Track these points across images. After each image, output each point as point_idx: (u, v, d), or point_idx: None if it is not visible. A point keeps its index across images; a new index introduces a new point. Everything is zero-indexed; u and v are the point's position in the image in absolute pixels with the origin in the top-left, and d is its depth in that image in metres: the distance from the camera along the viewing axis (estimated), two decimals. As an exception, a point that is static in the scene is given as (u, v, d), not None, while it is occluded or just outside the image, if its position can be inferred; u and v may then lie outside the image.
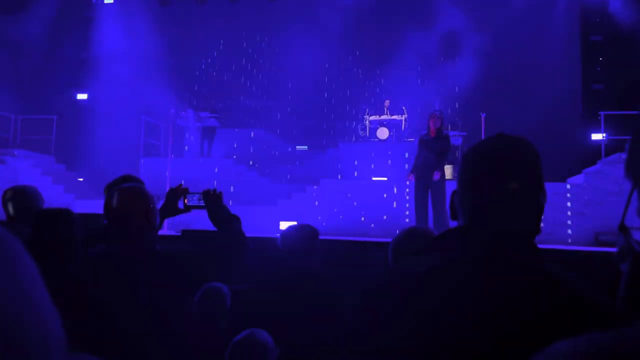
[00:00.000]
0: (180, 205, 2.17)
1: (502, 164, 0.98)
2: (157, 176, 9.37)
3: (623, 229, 0.55)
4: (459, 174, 1.03)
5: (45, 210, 2.17)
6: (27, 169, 10.07)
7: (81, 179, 11.27)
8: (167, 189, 2.26)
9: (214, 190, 2.11)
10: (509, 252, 0.92)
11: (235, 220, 2.07)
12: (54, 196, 9.36)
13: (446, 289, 0.89)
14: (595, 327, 0.75)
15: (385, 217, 8.43)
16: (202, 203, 2.12)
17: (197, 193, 2.14)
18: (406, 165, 10.09)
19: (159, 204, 2.11)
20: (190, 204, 2.15)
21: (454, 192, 1.04)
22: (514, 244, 0.93)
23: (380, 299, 0.94)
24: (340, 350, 1.04)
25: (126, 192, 1.90)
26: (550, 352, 0.46)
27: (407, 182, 6.91)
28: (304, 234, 2.47)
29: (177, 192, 2.19)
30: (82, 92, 13.28)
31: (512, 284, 0.88)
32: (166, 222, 5.30)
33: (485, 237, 0.94)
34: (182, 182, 2.28)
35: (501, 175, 0.97)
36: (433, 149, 6.65)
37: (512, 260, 0.91)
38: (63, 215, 2.08)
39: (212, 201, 2.08)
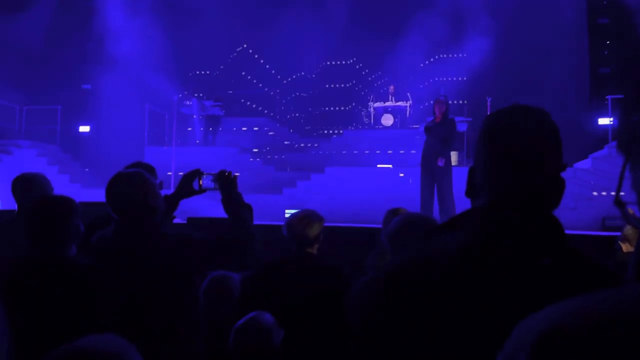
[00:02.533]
0: (195, 186, 2.17)
1: (525, 138, 0.92)
2: (162, 165, 9.38)
3: (618, 203, 0.54)
4: (477, 148, 0.97)
5: (43, 198, 2.17)
6: (33, 159, 10.11)
7: (87, 169, 11.31)
8: (172, 177, 2.26)
9: (229, 172, 2.11)
10: (536, 229, 0.88)
11: (247, 209, 2.07)
12: (60, 186, 9.40)
13: (477, 269, 0.85)
14: None
15: (390, 204, 8.41)
16: (216, 185, 2.12)
17: (212, 174, 2.14)
18: (413, 151, 10.06)
19: (163, 191, 2.11)
20: (205, 186, 2.15)
21: (471, 169, 0.98)
22: (540, 221, 0.90)
23: (408, 281, 0.89)
24: (354, 334, 1.00)
25: (122, 178, 1.91)
26: (549, 311, 0.45)
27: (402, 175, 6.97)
28: (309, 220, 2.46)
29: (192, 173, 2.19)
30: (86, 82, 13.26)
31: (543, 263, 0.85)
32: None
33: (512, 216, 0.89)
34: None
35: (525, 149, 0.92)
36: (437, 135, 6.62)
37: (539, 238, 0.88)
38: (60, 202, 2.08)
39: (227, 184, 2.07)
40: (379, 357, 0.89)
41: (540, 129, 0.94)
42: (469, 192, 0.97)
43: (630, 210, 0.55)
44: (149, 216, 1.89)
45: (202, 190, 2.17)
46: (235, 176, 2.11)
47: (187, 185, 2.18)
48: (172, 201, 2.21)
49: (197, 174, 2.18)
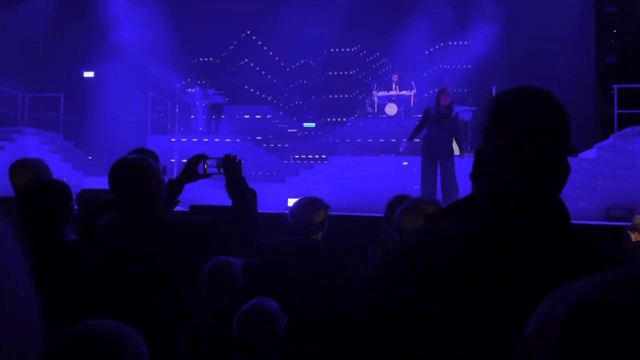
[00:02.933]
0: (200, 170, 2.16)
1: (538, 118, 0.91)
2: (165, 153, 9.38)
3: None
4: (486, 128, 0.95)
5: (34, 182, 2.17)
6: (36, 147, 10.12)
7: (90, 157, 11.32)
8: (175, 165, 2.25)
9: (234, 157, 2.10)
10: (542, 212, 0.88)
11: (251, 194, 2.06)
12: (63, 173, 9.42)
13: (485, 251, 0.84)
14: None
15: (392, 193, 8.39)
16: (220, 170, 2.11)
17: (217, 158, 2.13)
18: (417, 140, 10.01)
19: (166, 177, 2.10)
20: (210, 170, 2.14)
21: (478, 150, 0.96)
22: (548, 201, 0.90)
23: (413, 262, 0.88)
24: (358, 319, 0.99)
25: (124, 164, 1.90)
26: (567, 288, 0.45)
27: (401, 149, 6.99)
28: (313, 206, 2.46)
29: (197, 157, 2.17)
30: (89, 69, 13.23)
31: (549, 246, 0.85)
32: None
33: (517, 199, 0.89)
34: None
35: (537, 129, 0.90)
36: (446, 128, 6.56)
37: (545, 221, 0.88)
38: (52, 186, 2.07)
39: (231, 168, 2.06)
40: (383, 342, 0.88)
41: (553, 111, 0.92)
42: (475, 174, 0.95)
43: None
44: (152, 202, 1.89)
45: (206, 175, 2.16)
46: (240, 161, 2.10)
47: (192, 170, 2.17)
48: (177, 185, 2.20)
49: (201, 158, 2.17)
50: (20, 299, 0.38)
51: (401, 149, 6.85)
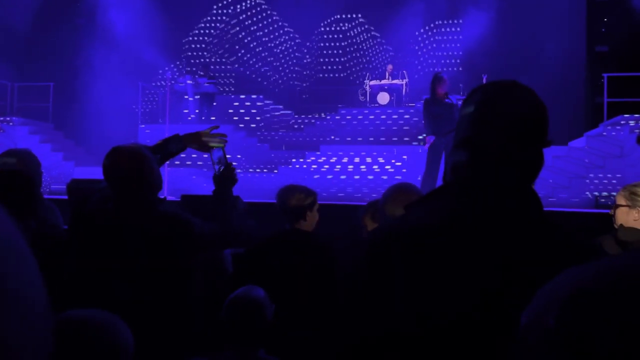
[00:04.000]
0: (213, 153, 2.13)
1: (511, 110, 0.95)
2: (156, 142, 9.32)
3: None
4: (464, 120, 0.99)
5: None
6: (26, 137, 10.02)
7: (80, 147, 11.23)
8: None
9: (233, 172, 2.07)
10: (511, 202, 0.92)
11: (233, 208, 2.04)
12: (53, 163, 9.35)
13: (458, 240, 0.89)
14: None
15: (384, 182, 8.43)
16: (217, 164, 2.10)
17: (225, 158, 2.10)
18: (406, 127, 10.04)
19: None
20: (214, 157, 2.12)
21: (456, 139, 1.00)
22: (516, 194, 0.93)
23: (390, 251, 0.92)
24: (343, 304, 1.03)
25: (121, 151, 1.89)
26: (563, 278, 0.47)
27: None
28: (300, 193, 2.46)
29: (216, 136, 2.16)
30: (79, 59, 13.08)
31: (514, 234, 0.89)
32: (165, 187, 5.29)
33: (487, 188, 0.93)
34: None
35: (510, 125, 0.95)
36: (448, 116, 6.35)
37: (514, 211, 0.91)
38: (15, 175, 2.06)
39: (224, 181, 2.06)
40: (367, 326, 0.91)
41: (530, 105, 0.97)
42: (452, 167, 1.00)
43: None
44: (146, 191, 1.88)
45: (209, 150, 2.14)
46: (234, 178, 2.08)
47: (202, 138, 2.15)
48: (182, 139, 2.17)
49: (220, 141, 2.14)
50: (23, 275, 0.38)
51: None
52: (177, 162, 9.86)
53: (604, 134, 8.17)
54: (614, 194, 6.80)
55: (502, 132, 0.94)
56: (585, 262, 0.46)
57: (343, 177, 8.70)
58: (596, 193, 7.30)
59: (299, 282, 2.24)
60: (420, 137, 9.37)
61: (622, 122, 8.19)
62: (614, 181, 7.35)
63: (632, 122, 8.08)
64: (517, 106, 0.96)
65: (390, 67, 11.49)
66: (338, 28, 14.13)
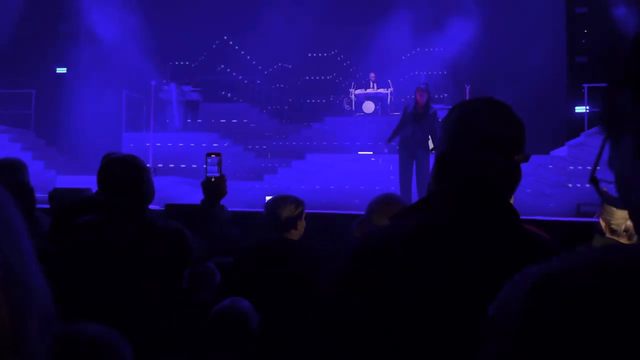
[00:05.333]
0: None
1: (488, 126, 0.99)
2: (140, 151, 9.25)
3: (593, 181, 0.58)
4: (441, 135, 1.04)
5: None
6: (6, 144, 9.86)
7: (62, 155, 11.09)
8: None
9: (219, 180, 2.05)
10: (488, 213, 0.95)
11: (217, 221, 2.03)
12: (34, 172, 9.20)
13: (429, 250, 0.91)
14: None
15: (369, 190, 8.45)
16: (214, 176, 2.08)
17: (220, 165, 2.09)
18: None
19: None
20: (209, 164, 2.09)
21: (437, 154, 1.04)
22: (493, 206, 0.96)
23: (365, 260, 0.95)
24: (322, 314, 1.04)
25: (118, 161, 1.87)
26: (529, 270, 0.48)
27: (385, 151, 7.00)
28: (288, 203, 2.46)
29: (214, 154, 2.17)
30: (62, 65, 12.94)
31: (491, 244, 0.91)
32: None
33: (466, 201, 0.96)
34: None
35: (487, 141, 0.98)
36: (423, 125, 6.61)
37: (491, 222, 0.94)
38: (22, 186, 2.04)
39: (215, 189, 2.05)
40: (350, 336, 0.92)
41: (503, 119, 1.00)
42: (436, 176, 1.03)
43: (604, 188, 0.59)
44: (141, 202, 1.86)
45: (207, 155, 2.15)
46: (221, 190, 2.06)
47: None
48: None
49: (217, 154, 2.15)
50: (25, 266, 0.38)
51: (385, 151, 6.94)
52: (159, 167, 9.78)
53: (585, 143, 8.31)
54: (596, 203, 6.90)
55: (478, 148, 0.98)
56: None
57: (329, 185, 8.71)
58: (579, 201, 7.41)
59: (285, 292, 2.23)
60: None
61: (602, 131, 8.34)
62: (595, 189, 7.46)
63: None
64: (493, 122, 0.99)
65: (373, 75, 11.59)
66: (324, 36, 14.20)
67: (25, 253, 0.38)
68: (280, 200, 2.45)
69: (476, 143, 0.98)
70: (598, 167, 0.59)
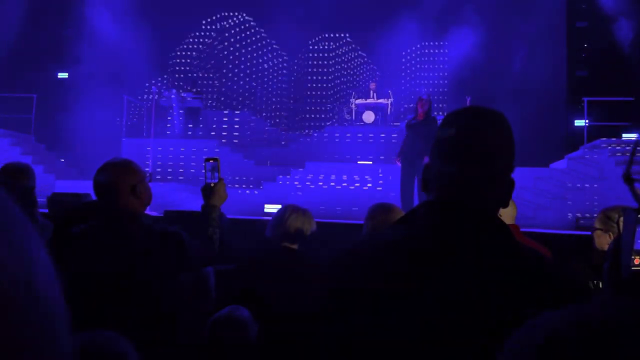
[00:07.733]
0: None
1: (474, 136, 0.97)
2: (140, 157, 9.25)
3: (628, 180, 0.56)
4: (432, 145, 1.02)
5: None
6: (6, 148, 9.87)
7: (62, 160, 11.09)
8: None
9: (224, 188, 2.06)
10: (473, 224, 0.93)
11: (218, 228, 2.02)
12: (34, 176, 9.18)
13: (408, 257, 0.92)
14: (566, 298, 0.81)
15: (368, 199, 8.45)
16: (214, 180, 2.09)
17: (218, 170, 2.10)
18: (394, 139, 10.09)
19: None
20: (208, 166, 2.10)
21: (426, 165, 1.03)
22: (478, 217, 0.94)
23: (349, 265, 0.97)
24: (316, 317, 1.05)
25: (113, 166, 1.87)
26: (538, 323, 0.47)
27: (398, 164, 6.96)
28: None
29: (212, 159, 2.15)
30: (63, 70, 12.98)
31: (488, 256, 0.90)
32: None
33: (446, 210, 0.95)
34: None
35: (472, 147, 0.96)
36: (420, 133, 6.66)
37: (475, 232, 0.93)
38: (28, 192, 2.03)
39: (214, 194, 2.05)
40: (334, 342, 0.93)
41: (492, 129, 0.98)
42: (424, 187, 1.02)
43: (639, 188, 0.58)
44: (137, 207, 1.86)
45: (206, 160, 2.14)
46: (219, 194, 2.06)
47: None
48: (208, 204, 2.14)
49: (215, 159, 2.14)
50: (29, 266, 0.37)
51: (398, 164, 6.92)
52: (158, 177, 9.78)
53: (585, 156, 8.32)
54: (595, 215, 6.92)
55: (452, 158, 0.97)
56: (555, 291, 0.45)
57: (328, 194, 8.71)
58: (578, 214, 7.41)
59: (285, 301, 2.22)
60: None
61: (602, 145, 8.37)
62: (595, 203, 7.47)
63: (612, 145, 8.26)
64: (468, 134, 0.97)
65: (373, 84, 11.63)
66: (325, 47, 14.28)
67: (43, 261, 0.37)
68: (292, 211, 2.44)
69: (461, 156, 0.96)
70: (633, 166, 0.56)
